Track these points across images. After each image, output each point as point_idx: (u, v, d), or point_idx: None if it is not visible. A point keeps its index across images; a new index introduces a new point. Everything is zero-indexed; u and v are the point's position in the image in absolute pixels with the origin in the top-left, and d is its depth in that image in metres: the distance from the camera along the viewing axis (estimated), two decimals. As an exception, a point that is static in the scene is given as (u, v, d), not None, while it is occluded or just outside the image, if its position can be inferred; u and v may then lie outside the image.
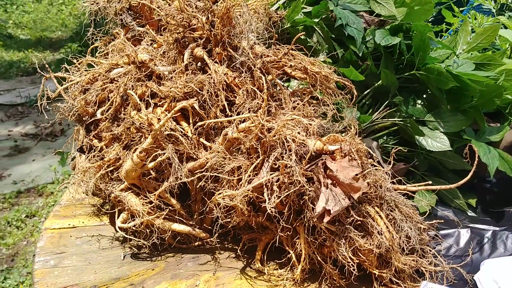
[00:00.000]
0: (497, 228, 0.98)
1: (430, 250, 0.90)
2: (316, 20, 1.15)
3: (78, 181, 1.06)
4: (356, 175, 0.82)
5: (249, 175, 0.87)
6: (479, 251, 0.93)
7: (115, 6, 1.12)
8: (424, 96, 1.13)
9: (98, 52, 1.17)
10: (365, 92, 1.13)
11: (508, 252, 0.91)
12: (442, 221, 0.98)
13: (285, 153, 0.81)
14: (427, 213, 1.05)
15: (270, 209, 0.81)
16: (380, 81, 1.10)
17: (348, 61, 1.11)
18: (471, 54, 1.18)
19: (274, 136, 0.84)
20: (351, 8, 1.14)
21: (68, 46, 7.52)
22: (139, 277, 0.95)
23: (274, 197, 0.82)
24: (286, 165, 0.82)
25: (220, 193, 0.87)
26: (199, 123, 0.93)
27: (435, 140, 1.06)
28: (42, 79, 1.12)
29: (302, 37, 1.15)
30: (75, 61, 1.12)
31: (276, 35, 0.99)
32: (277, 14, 1.13)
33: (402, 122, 1.09)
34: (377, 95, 1.14)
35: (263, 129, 0.86)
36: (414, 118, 1.09)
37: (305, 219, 0.86)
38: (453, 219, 1.03)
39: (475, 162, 0.86)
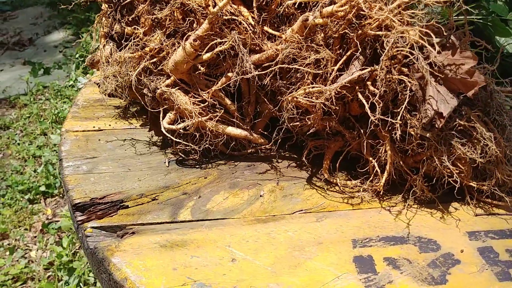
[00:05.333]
0: None
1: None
2: None
3: (110, 75, 0.90)
4: (471, 68, 0.69)
5: (337, 69, 0.74)
6: None
7: None
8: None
9: None
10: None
11: None
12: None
13: (395, 44, 0.67)
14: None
15: (373, 115, 0.68)
16: (460, -28, 0.96)
17: None
18: None
19: (373, 26, 0.70)
20: None
21: None
22: (192, 185, 0.83)
23: (372, 96, 0.70)
24: (391, 57, 0.68)
25: (302, 89, 0.73)
26: (290, 1, 0.77)
27: (520, 43, 0.94)
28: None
29: None
30: None
31: None
32: None
33: (481, 20, 0.96)
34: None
35: (357, 14, 0.71)
36: (494, 16, 0.96)
37: (397, 124, 0.74)
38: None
39: None
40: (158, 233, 0.72)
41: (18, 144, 2.95)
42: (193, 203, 0.78)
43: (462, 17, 0.97)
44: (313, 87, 0.72)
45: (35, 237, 2.30)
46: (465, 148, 0.73)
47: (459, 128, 0.74)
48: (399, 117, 0.69)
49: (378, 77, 0.71)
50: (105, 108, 1.06)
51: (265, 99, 0.86)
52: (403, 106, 0.68)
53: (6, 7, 5.13)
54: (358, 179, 0.83)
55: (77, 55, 3.79)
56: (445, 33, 0.74)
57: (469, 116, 0.74)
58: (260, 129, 0.91)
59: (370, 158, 0.80)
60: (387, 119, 0.71)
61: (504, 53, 0.97)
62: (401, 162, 0.77)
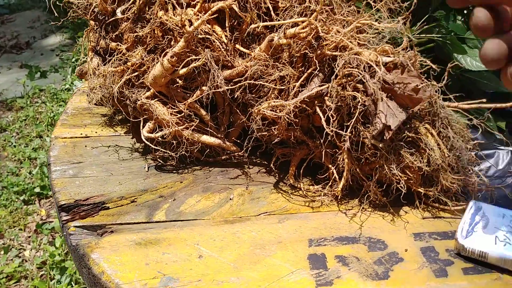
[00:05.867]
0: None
1: (474, 170, 0.88)
2: None
3: (96, 86, 0.98)
4: (416, 86, 0.77)
5: (299, 85, 0.82)
6: (520, 172, 0.93)
7: None
8: (465, 11, 1.07)
9: None
10: (404, 5, 1.06)
11: (550, 174, 0.91)
12: (483, 141, 0.96)
13: (346, 64, 0.76)
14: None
15: (328, 128, 0.76)
16: (421, -6, 1.04)
17: (389, -30, 1.04)
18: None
19: (331, 47, 0.78)
20: None
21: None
22: (168, 189, 0.90)
23: (328, 111, 0.78)
24: (347, 75, 0.76)
25: (266, 103, 0.81)
26: (261, 24, 0.85)
27: (474, 59, 1.02)
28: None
29: None
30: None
31: None
32: None
33: (441, 39, 1.04)
34: (415, 9, 1.07)
35: (317, 36, 0.79)
36: (453, 35, 1.04)
37: (352, 134, 0.82)
38: (482, 141, 1.02)
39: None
40: (134, 232, 0.80)
41: (14, 146, 3.02)
42: (168, 205, 0.86)
43: (424, 35, 1.06)
44: (275, 102, 0.80)
45: (29, 237, 2.37)
46: (413, 157, 0.81)
47: (408, 139, 0.82)
48: (349, 130, 0.77)
49: (332, 93, 0.79)
50: (92, 116, 1.14)
51: (238, 110, 0.94)
52: (353, 120, 0.76)
53: (4, 10, 5.20)
54: (320, 184, 0.90)
55: (73, 59, 3.87)
56: (395, 53, 0.83)
57: (417, 129, 0.82)
58: (233, 138, 0.99)
59: (330, 166, 0.88)
60: (339, 132, 0.78)
61: (462, 69, 1.05)
62: (357, 169, 0.85)
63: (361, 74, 0.74)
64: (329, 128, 0.78)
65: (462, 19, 1.07)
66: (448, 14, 1.05)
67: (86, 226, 0.81)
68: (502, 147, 1.01)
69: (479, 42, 1.03)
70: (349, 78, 0.80)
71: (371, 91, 0.79)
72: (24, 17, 5.14)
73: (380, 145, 0.81)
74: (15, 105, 3.49)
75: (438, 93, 0.86)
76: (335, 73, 0.77)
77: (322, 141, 0.85)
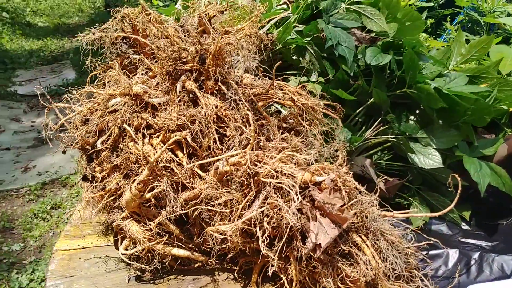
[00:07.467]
0: (489, 244, 1.00)
1: (417, 274, 0.92)
2: (308, 39, 1.16)
3: (83, 209, 1.12)
4: (341, 206, 0.85)
5: (242, 207, 0.91)
6: (466, 273, 0.96)
7: (111, 35, 1.15)
8: (417, 111, 1.14)
9: (96, 80, 1.21)
10: (357, 110, 1.14)
11: (493, 275, 0.93)
12: (431, 242, 1.00)
13: (275, 191, 0.85)
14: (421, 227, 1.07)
15: (262, 247, 0.85)
16: (372, 98, 1.12)
17: (340, 81, 1.13)
18: (465, 66, 1.17)
19: (264, 174, 0.87)
20: (343, 25, 1.15)
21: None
22: (143, 301, 1.01)
23: (266, 231, 0.86)
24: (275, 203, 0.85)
25: (212, 228, 0.91)
26: (197, 162, 0.97)
27: (427, 157, 1.07)
28: (45, 110, 1.17)
29: (295, 57, 1.16)
30: (75, 92, 1.16)
31: (262, 68, 1.01)
32: (267, 36, 1.15)
33: (394, 139, 1.11)
34: (370, 112, 1.15)
35: (252, 165, 0.89)
36: (407, 134, 1.11)
37: (295, 249, 0.90)
38: (446, 233, 1.06)
39: (458, 181, 0.89)
40: None
41: (66, 222, 3.24)
42: (138, 318, 0.96)
43: (379, 136, 1.13)
44: (217, 226, 0.90)
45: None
46: (351, 269, 0.87)
47: (345, 251, 0.89)
48: (277, 253, 0.85)
49: (269, 216, 0.87)
50: (92, 225, 1.28)
51: (203, 224, 1.04)
52: (282, 241, 0.84)
53: (63, 90, 5.64)
54: (278, 291, 0.98)
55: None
56: (332, 170, 0.91)
57: (353, 241, 0.88)
58: (207, 244, 1.08)
59: (282, 275, 0.95)
60: (266, 252, 0.86)
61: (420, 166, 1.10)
62: (307, 279, 0.92)
63: (280, 204, 0.82)
64: (264, 248, 0.86)
65: (415, 118, 1.13)
66: (400, 115, 1.12)
67: None
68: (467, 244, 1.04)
69: (431, 140, 1.09)
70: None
71: (304, 210, 0.87)
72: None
73: (322, 257, 0.88)
74: (69, 182, 3.77)
75: (375, 203, 0.93)
76: (262, 201, 0.86)
77: (271, 254, 0.94)
